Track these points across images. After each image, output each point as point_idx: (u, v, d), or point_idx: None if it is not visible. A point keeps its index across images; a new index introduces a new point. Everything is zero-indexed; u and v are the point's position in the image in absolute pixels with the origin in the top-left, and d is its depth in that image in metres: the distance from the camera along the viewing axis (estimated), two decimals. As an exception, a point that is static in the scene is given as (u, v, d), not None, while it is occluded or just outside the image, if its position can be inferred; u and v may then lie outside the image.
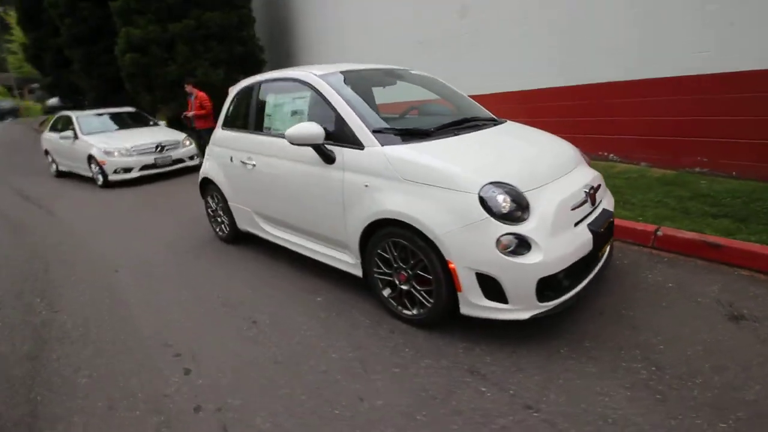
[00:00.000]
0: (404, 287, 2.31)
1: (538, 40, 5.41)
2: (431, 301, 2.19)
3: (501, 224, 1.94)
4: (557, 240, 1.99)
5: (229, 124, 3.66)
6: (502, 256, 1.91)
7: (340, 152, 2.46)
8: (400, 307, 2.38)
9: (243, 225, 3.63)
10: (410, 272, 2.24)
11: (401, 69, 3.33)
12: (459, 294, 2.05)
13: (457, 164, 2.14)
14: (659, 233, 2.98)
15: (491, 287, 1.97)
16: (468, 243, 1.96)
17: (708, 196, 3.54)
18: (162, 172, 7.73)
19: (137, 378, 2.12)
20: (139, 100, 11.28)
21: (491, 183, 2.02)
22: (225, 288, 3.06)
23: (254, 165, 3.15)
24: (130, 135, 7.89)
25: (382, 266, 2.39)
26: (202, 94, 7.39)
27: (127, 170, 7.32)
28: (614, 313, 2.27)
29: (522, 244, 1.94)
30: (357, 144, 2.39)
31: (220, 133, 3.70)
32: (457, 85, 3.48)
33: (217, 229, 4.06)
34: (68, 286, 3.30)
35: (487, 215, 1.95)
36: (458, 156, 2.25)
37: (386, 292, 2.44)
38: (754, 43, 3.58)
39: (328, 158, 2.50)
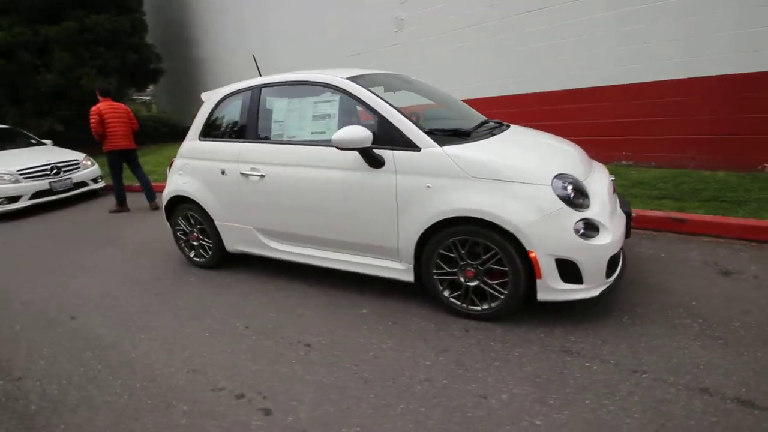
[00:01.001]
0: (471, 284, 2.34)
1: (473, 54, 5.95)
2: (505, 292, 2.26)
3: (574, 212, 2.12)
4: (613, 222, 2.25)
5: (211, 134, 3.26)
6: (581, 240, 2.09)
7: (390, 155, 2.40)
8: (465, 305, 2.40)
9: (235, 246, 3.25)
10: (481, 267, 2.29)
11: (405, 75, 3.38)
12: (538, 281, 2.17)
13: (522, 160, 2.27)
14: (633, 214, 3.53)
15: (569, 270, 2.13)
16: (548, 232, 2.09)
17: (644, 183, 4.30)
18: (59, 199, 6.42)
19: (210, 432, 1.76)
20: (1, 114, 9.15)
21: (557, 175, 2.19)
22: (240, 314, 2.71)
23: (261, 176, 2.86)
24: (13, 157, 6.38)
25: (444, 266, 2.39)
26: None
27: (14, 199, 5.92)
28: (640, 283, 2.63)
29: (589, 227, 2.14)
30: (410, 146, 2.36)
31: (198, 145, 3.27)
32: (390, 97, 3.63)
33: (192, 254, 3.56)
34: (20, 351, 2.55)
35: (562, 204, 2.11)
36: (512, 153, 2.38)
37: (447, 293, 2.44)
38: (667, 57, 4.49)
39: (377, 162, 2.42)
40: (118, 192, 5.78)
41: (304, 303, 2.78)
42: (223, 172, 3.10)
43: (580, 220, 2.12)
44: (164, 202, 3.56)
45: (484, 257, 2.26)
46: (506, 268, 2.21)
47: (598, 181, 2.42)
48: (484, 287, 2.31)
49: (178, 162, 3.47)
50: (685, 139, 4.56)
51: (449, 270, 2.39)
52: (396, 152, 2.39)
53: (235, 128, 3.13)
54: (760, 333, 2.06)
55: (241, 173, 2.98)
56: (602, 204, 2.24)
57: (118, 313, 2.90)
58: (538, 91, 5.43)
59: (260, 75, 3.51)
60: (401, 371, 2.03)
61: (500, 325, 2.31)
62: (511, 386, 1.86)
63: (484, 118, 3.16)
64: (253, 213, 3.04)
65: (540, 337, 2.18)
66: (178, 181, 3.41)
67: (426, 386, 1.92)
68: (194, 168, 3.30)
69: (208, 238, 3.41)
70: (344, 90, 2.60)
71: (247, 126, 3.02)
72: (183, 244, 3.61)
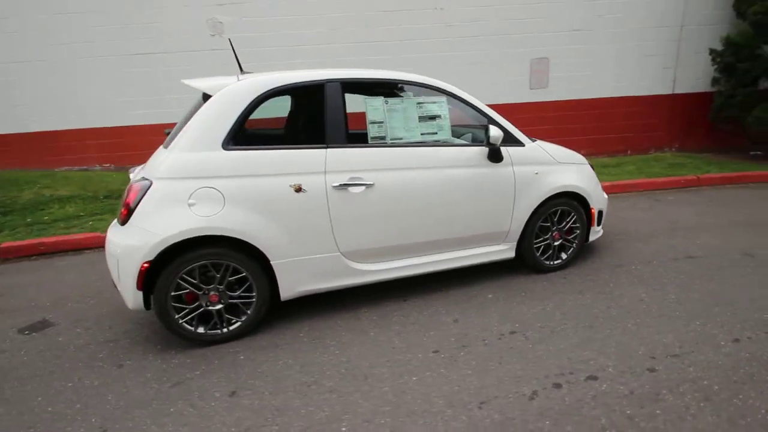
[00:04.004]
0: (556, 243, 3.13)
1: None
2: (575, 243, 3.19)
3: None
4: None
5: (252, 140, 2.36)
6: (605, 197, 3.32)
7: (505, 151, 2.80)
8: (550, 262, 3.13)
9: (299, 287, 2.50)
10: (564, 229, 3.11)
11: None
12: (591, 228, 3.24)
13: (569, 150, 3.26)
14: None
15: (600, 218, 3.32)
16: (597, 193, 3.20)
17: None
18: None
19: None
20: None
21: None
22: (402, 353, 2.32)
23: (369, 186, 2.46)
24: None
25: (540, 234, 3.04)
26: None
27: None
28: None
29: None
30: (517, 142, 2.86)
31: (227, 157, 2.27)
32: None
33: (202, 328, 2.36)
34: None
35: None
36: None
37: (539, 256, 3.10)
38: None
39: (500, 157, 2.76)
40: None
41: (437, 312, 2.65)
42: (298, 189, 2.33)
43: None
44: (146, 257, 2.12)
45: (566, 221, 3.11)
46: (578, 224, 3.15)
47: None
48: (565, 243, 3.16)
49: (176, 186, 2.18)
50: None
51: (544, 238, 3.07)
52: (509, 148, 2.82)
53: (304, 131, 2.42)
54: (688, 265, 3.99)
55: (335, 186, 2.39)
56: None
57: None
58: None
59: (239, 63, 2.79)
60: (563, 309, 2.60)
61: (572, 268, 3.22)
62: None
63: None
64: (347, 233, 2.48)
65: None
66: (188, 216, 2.16)
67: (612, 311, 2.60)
68: (229, 190, 2.23)
69: (247, 292, 2.37)
70: (448, 92, 2.71)
71: (329, 128, 2.42)
72: (182, 318, 2.27)
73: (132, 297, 2.21)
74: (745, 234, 3.77)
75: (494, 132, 2.58)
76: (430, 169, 2.60)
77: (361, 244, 2.54)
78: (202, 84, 2.40)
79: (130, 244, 2.14)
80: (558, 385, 1.97)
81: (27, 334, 2.61)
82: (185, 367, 2.21)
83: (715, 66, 6.25)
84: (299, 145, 2.40)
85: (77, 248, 4.08)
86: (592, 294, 2.81)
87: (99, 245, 4.08)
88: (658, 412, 1.80)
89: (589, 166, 3.25)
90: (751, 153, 6.66)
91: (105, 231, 4.19)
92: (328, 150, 2.41)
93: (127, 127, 6.65)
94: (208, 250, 2.23)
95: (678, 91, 6.69)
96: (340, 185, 2.40)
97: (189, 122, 2.28)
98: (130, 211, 2.19)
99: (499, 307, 2.69)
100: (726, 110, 6.16)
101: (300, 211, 2.36)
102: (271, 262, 2.35)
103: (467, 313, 2.64)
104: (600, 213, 3.28)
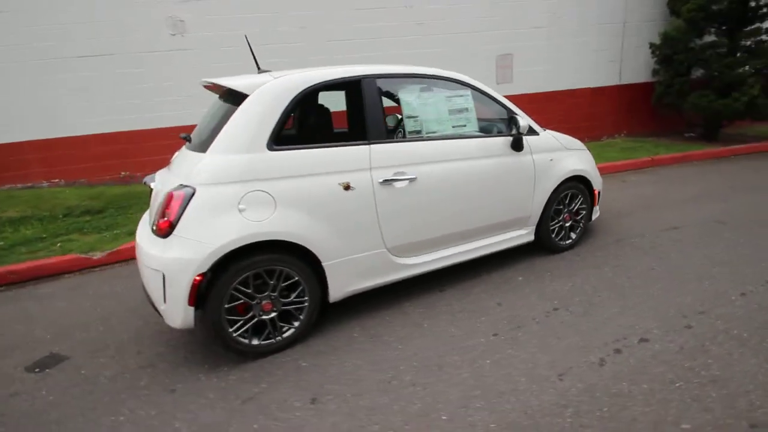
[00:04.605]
0: (567, 224, 3.34)
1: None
2: (582, 223, 3.44)
3: (594, 166, 3.61)
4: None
5: (295, 138, 2.28)
6: (601, 179, 3.61)
7: (525, 140, 2.94)
8: (563, 241, 3.35)
9: (348, 287, 2.46)
10: (572, 210, 3.34)
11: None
12: (594, 208, 3.51)
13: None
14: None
15: (598, 198, 3.60)
16: (596, 175, 3.47)
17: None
18: None
19: (666, 373, 1.92)
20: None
21: (580, 144, 3.60)
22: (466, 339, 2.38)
23: (412, 179, 2.48)
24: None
25: (555, 217, 3.24)
26: None
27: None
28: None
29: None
30: (533, 132, 3.02)
31: (274, 157, 2.18)
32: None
33: (255, 340, 2.25)
34: None
35: (592, 160, 3.55)
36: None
37: (554, 237, 3.30)
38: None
39: (522, 146, 2.89)
40: None
41: (478, 298, 2.73)
42: (347, 187, 2.29)
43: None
44: (199, 269, 1.98)
45: (575, 202, 3.33)
46: (585, 206, 3.39)
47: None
48: (574, 224, 3.38)
49: (223, 191, 2.05)
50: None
51: (557, 220, 3.27)
52: (528, 137, 2.97)
53: (340, 128, 2.38)
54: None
55: (382, 181, 2.37)
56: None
57: None
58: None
59: (256, 61, 2.72)
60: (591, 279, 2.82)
61: (580, 247, 3.47)
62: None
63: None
64: (392, 228, 2.47)
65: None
66: (240, 222, 2.04)
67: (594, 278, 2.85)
68: (278, 193, 2.13)
69: (299, 297, 2.28)
70: (471, 85, 2.79)
71: (368, 123, 2.40)
72: (235, 332, 2.15)
73: (182, 314, 2.04)
74: (709, 204, 4.28)
75: (522, 122, 2.71)
76: (465, 160, 2.67)
77: (405, 238, 2.55)
78: (234, 82, 2.26)
79: (179, 257, 1.98)
80: (618, 351, 2.14)
81: (38, 371, 2.31)
82: (247, 382, 2.09)
83: (655, 58, 6.98)
84: (340, 142, 2.35)
85: (54, 273, 3.64)
86: (609, 268, 3.05)
87: (80, 268, 3.69)
88: (709, 361, 2.02)
89: (588, 152, 3.51)
90: (686, 135, 7.53)
91: (85, 252, 3.85)
92: (372, 146, 2.39)
93: (78, 138, 6.02)
94: (261, 256, 2.12)
95: (623, 82, 7.38)
96: (386, 181, 2.39)
97: (228, 123, 2.14)
98: (173, 222, 2.02)
99: (533, 287, 2.84)
100: (666, 98, 6.91)
101: (349, 210, 2.32)
102: (323, 264, 2.29)
103: (506, 296, 2.75)
104: (599, 194, 3.56)
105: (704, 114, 6.61)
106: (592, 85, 7.26)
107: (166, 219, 2.04)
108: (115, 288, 3.29)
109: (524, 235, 3.13)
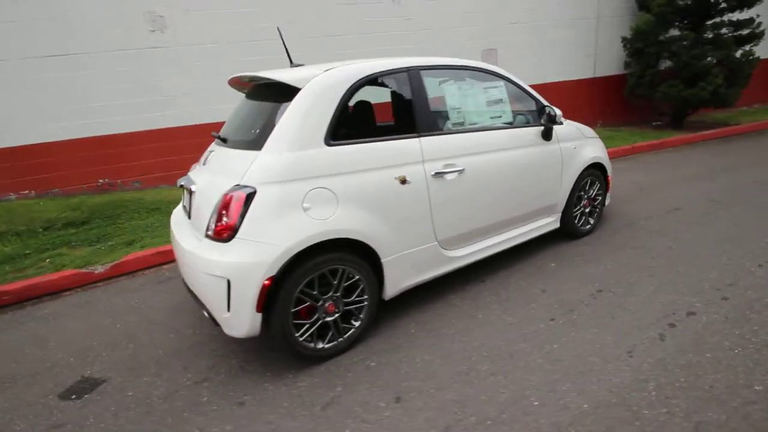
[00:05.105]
0: (587, 210, 3.47)
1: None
2: (598, 209, 3.58)
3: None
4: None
5: (350, 133, 2.22)
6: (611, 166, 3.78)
7: (553, 129, 3.02)
8: (583, 227, 3.47)
9: (402, 283, 2.43)
10: (590, 197, 3.47)
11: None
12: (607, 193, 3.66)
13: None
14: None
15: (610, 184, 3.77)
16: (608, 162, 3.61)
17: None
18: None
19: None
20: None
21: (594, 134, 3.74)
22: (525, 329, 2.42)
23: (460, 171, 2.48)
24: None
25: (577, 204, 3.35)
26: None
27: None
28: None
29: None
30: (557, 122, 3.10)
31: (332, 153, 2.10)
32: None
33: (319, 343, 2.18)
34: None
35: (603, 148, 3.71)
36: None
37: (577, 222, 3.41)
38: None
39: (551, 136, 2.97)
40: None
41: (520, 286, 2.77)
42: (403, 181, 2.25)
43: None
44: (268, 272, 1.88)
45: (594, 188, 3.47)
46: (601, 192, 3.54)
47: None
48: (592, 209, 3.52)
49: (287, 189, 1.95)
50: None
51: (579, 206, 3.39)
52: (555, 126, 3.05)
53: (391, 121, 2.34)
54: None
55: (434, 174, 2.36)
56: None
57: None
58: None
59: (288, 55, 2.65)
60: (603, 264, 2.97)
61: (598, 232, 3.61)
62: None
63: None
64: (443, 220, 2.46)
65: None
66: (306, 221, 1.96)
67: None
68: (340, 189, 2.06)
69: (359, 296, 2.23)
70: (503, 76, 2.83)
71: (417, 116, 2.37)
72: (301, 335, 2.06)
73: (249, 321, 1.93)
74: (699, 185, 4.59)
75: (559, 112, 2.78)
76: (505, 150, 2.71)
77: (454, 230, 2.55)
78: (282, 75, 2.16)
79: (246, 261, 1.87)
80: (672, 325, 2.25)
81: (75, 398, 2.10)
82: (320, 387, 2.01)
83: (627, 51, 7.38)
84: (391, 135, 2.31)
85: (53, 292, 3.33)
86: (631, 250, 3.20)
87: (81, 284, 3.40)
88: (755, 328, 2.17)
89: (600, 139, 3.66)
90: (654, 123, 8.03)
91: (84, 267, 3.54)
92: (422, 138, 2.36)
93: (46, 145, 5.53)
94: (325, 256, 2.04)
95: (598, 74, 7.75)
96: (437, 173, 2.38)
97: (283, 118, 2.04)
98: (235, 225, 1.90)
99: (569, 272, 2.92)
100: (638, 89, 7.33)
101: (405, 204, 2.28)
102: (381, 260, 2.24)
103: (547, 282, 2.81)
104: (610, 180, 3.72)
105: (674, 103, 7.07)
106: (571, 78, 7.57)
107: (226, 222, 1.91)
108: (130, 302, 3.06)
109: (552, 222, 3.22)
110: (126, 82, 5.56)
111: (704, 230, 3.43)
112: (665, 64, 7.13)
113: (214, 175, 2.19)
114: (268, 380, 2.08)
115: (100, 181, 5.82)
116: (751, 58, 6.68)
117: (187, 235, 2.22)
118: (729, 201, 4.02)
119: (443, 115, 2.54)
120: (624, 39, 7.29)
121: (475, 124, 2.66)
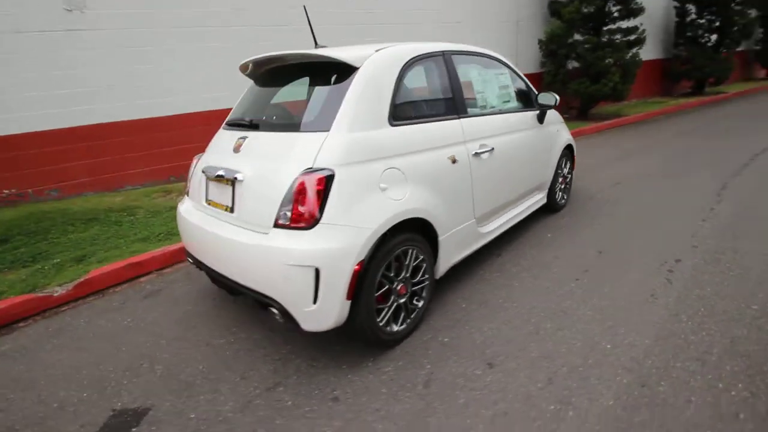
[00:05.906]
0: (563, 186, 3.91)
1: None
2: (569, 185, 4.06)
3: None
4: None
5: (406, 113, 2.23)
6: (572, 147, 4.30)
7: (546, 113, 3.36)
8: (561, 202, 3.91)
9: (451, 260, 2.52)
10: (563, 174, 3.92)
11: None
12: (573, 171, 4.17)
13: None
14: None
15: (571, 164, 4.29)
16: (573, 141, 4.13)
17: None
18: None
19: (713, 279, 2.54)
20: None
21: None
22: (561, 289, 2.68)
23: (491, 151, 2.64)
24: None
25: (555, 181, 3.76)
26: None
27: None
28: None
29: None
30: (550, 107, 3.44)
31: (396, 133, 2.11)
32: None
33: (394, 325, 2.19)
34: None
35: (566, 131, 4.20)
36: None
37: (559, 198, 3.83)
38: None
39: (544, 119, 3.30)
40: None
41: (534, 256, 3.04)
42: (453, 161, 2.33)
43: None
44: (359, 256, 1.81)
45: (567, 166, 3.92)
46: (570, 171, 4.02)
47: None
48: (565, 186, 3.97)
49: (363, 170, 1.89)
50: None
51: (558, 183, 3.81)
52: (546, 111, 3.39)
53: (437, 102, 2.39)
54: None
55: (474, 153, 2.47)
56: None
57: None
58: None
59: (314, 37, 2.61)
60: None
61: (570, 205, 4.09)
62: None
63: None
64: (480, 198, 2.59)
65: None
66: (386, 201, 1.93)
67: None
68: (408, 169, 2.06)
69: (423, 275, 2.26)
70: (505, 63, 3.07)
71: (455, 98, 2.45)
72: (380, 321, 2.03)
73: (338, 312, 1.83)
74: (624, 164, 5.45)
75: (557, 97, 3.10)
76: (519, 131, 2.95)
77: (487, 206, 2.71)
78: (336, 53, 2.06)
79: (335, 247, 1.77)
80: (671, 270, 2.70)
81: None
82: (407, 369, 1.99)
83: (542, 52, 8.36)
84: (437, 116, 2.36)
85: (3, 324, 2.69)
86: (604, 217, 3.70)
87: (37, 311, 2.82)
88: (728, 264, 2.71)
89: (565, 124, 4.15)
90: (564, 116, 9.22)
91: (36, 291, 2.89)
92: (462, 120, 2.46)
93: None
94: (401, 236, 2.02)
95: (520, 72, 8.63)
96: (476, 153, 2.50)
97: (346, 98, 1.96)
98: (316, 211, 1.78)
99: (565, 240, 3.27)
100: (552, 85, 8.35)
101: (455, 183, 2.36)
102: (439, 239, 2.29)
103: (554, 251, 3.11)
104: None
105: (582, 98, 8.22)
106: (497, 75, 8.31)
107: (306, 208, 1.79)
108: (121, 323, 2.63)
109: (542, 198, 3.57)
110: (36, 70, 4.63)
111: (648, 197, 4.12)
112: (572, 64, 8.24)
113: (268, 160, 2.01)
114: (349, 372, 2.00)
115: (5, 192, 4.77)
116: (636, 59, 8.09)
117: (230, 228, 2.01)
118: (657, 175, 4.86)
119: (472, 99, 2.67)
120: (540, 41, 8.25)
121: (494, 107, 2.85)
